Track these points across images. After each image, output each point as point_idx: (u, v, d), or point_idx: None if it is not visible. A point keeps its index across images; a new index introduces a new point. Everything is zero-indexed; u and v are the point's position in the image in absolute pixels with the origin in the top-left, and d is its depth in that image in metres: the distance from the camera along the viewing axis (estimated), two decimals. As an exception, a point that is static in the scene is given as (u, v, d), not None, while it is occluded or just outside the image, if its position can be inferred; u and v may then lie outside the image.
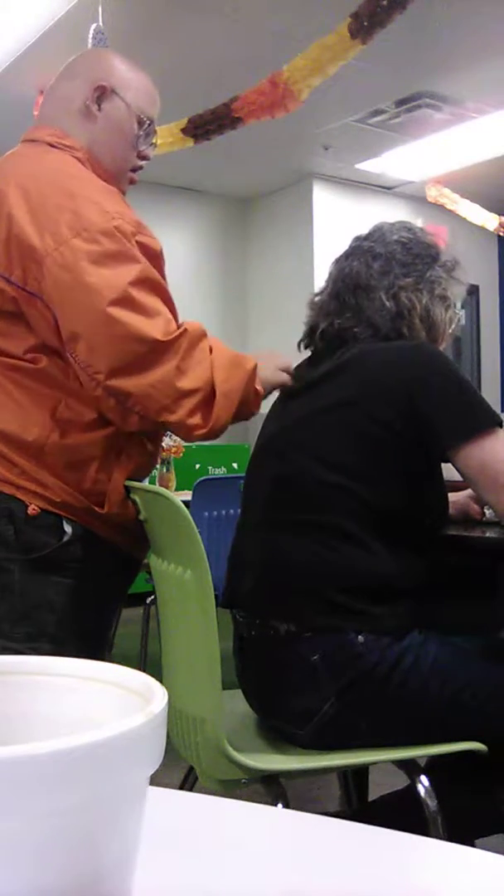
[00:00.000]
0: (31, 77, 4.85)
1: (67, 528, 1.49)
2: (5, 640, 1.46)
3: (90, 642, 1.57)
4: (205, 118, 4.32)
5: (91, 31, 3.84)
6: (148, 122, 1.66)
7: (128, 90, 1.63)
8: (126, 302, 1.39)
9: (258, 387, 1.53)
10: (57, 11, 4.15)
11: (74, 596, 1.51)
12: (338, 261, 1.64)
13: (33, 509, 1.46)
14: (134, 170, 1.69)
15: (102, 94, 1.61)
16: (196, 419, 1.44)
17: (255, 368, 1.52)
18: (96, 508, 1.51)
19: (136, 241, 1.48)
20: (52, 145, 1.56)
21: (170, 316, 1.46)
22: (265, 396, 1.59)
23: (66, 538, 1.48)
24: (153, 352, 1.40)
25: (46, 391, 1.47)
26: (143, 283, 1.43)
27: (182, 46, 4.51)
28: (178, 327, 1.45)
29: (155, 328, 1.40)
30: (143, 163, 1.69)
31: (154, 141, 1.71)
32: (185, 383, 1.42)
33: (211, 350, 1.49)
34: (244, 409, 1.51)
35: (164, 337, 1.40)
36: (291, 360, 1.66)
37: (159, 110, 1.72)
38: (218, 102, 4.25)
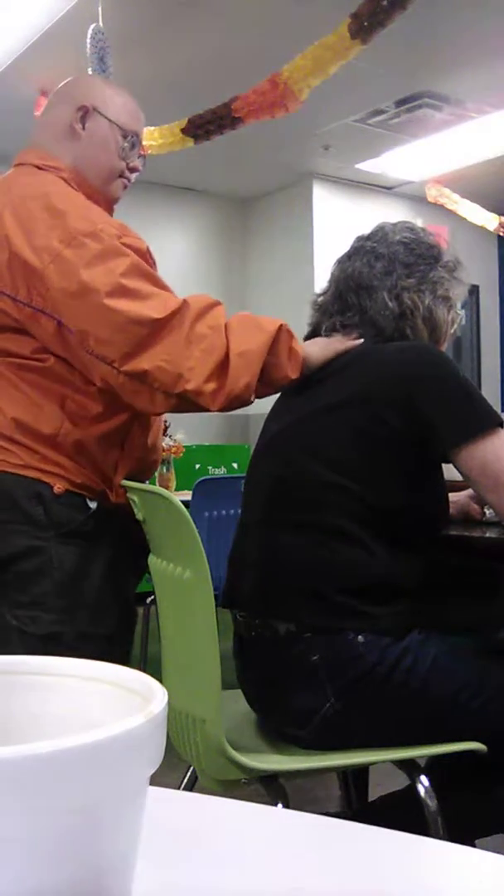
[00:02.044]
0: (31, 77, 4.85)
1: (91, 505, 1.60)
2: (55, 614, 1.53)
3: (126, 608, 1.67)
4: (205, 118, 4.32)
5: (90, 31, 3.85)
6: (132, 135, 1.75)
7: (109, 108, 1.73)
8: (120, 291, 1.48)
9: (294, 347, 1.56)
10: (57, 11, 4.16)
11: (110, 564, 1.60)
12: (340, 261, 1.64)
13: (59, 488, 1.55)
14: (124, 176, 1.76)
15: (86, 113, 1.71)
16: (212, 385, 1.49)
17: (279, 329, 1.54)
18: (109, 493, 1.61)
19: (122, 243, 1.55)
20: (38, 167, 1.66)
21: (167, 294, 1.53)
22: (323, 361, 1.57)
23: (90, 512, 1.59)
24: (155, 330, 1.48)
25: (54, 387, 1.57)
26: (133, 272, 1.51)
27: (182, 46, 4.51)
28: (183, 302, 1.52)
29: (152, 309, 1.48)
30: (133, 175, 1.78)
31: (142, 154, 1.79)
32: (195, 351, 1.49)
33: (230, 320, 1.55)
34: (275, 372, 1.54)
35: (161, 314, 1.48)
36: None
37: (143, 127, 1.81)
38: (218, 102, 4.25)
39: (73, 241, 1.50)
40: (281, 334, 1.55)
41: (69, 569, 1.56)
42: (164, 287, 1.56)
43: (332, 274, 1.65)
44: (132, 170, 1.77)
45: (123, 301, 1.47)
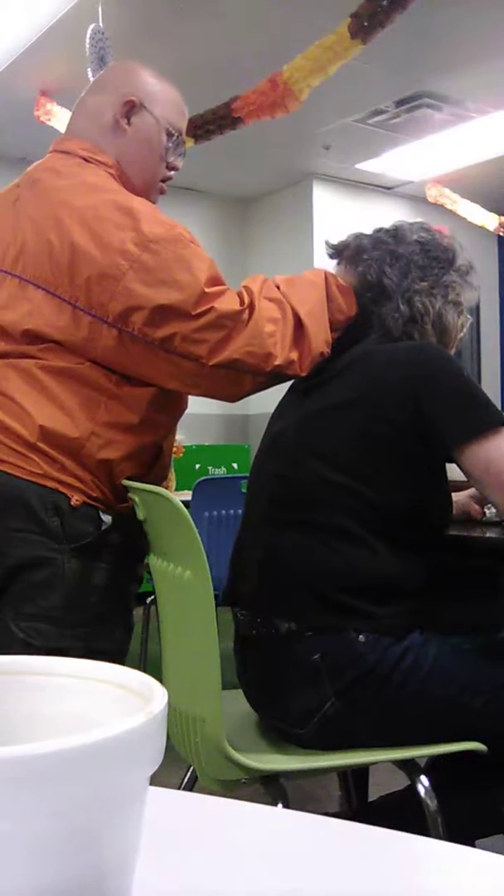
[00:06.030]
0: (31, 77, 4.86)
1: (105, 518, 1.57)
2: (62, 628, 1.51)
3: (129, 622, 1.65)
4: (205, 118, 4.32)
5: (90, 31, 3.84)
6: (177, 134, 1.69)
7: (156, 104, 1.65)
8: (205, 297, 1.47)
9: (341, 283, 1.61)
10: (57, 11, 4.15)
11: (115, 579, 1.58)
12: (358, 252, 1.63)
13: (76, 501, 1.53)
14: (163, 180, 1.72)
15: (132, 108, 1.64)
16: (296, 352, 1.53)
17: (325, 276, 1.60)
18: (123, 505, 1.59)
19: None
20: (86, 160, 1.59)
21: (229, 286, 1.54)
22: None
23: (104, 527, 1.56)
24: (239, 321, 1.49)
25: (89, 392, 1.52)
26: (214, 273, 1.51)
27: (182, 46, 4.50)
28: (244, 290, 1.53)
29: (233, 302, 1.49)
30: (172, 173, 1.72)
31: (183, 152, 1.73)
32: (273, 327, 1.51)
33: (279, 287, 1.57)
34: (340, 315, 1.59)
35: (240, 305, 1.49)
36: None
37: (186, 122, 1.74)
38: (218, 102, 4.25)
39: (152, 245, 1.46)
40: (328, 279, 1.59)
41: (80, 582, 1.53)
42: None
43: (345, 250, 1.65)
44: (171, 168, 1.71)
45: (208, 303, 1.46)
